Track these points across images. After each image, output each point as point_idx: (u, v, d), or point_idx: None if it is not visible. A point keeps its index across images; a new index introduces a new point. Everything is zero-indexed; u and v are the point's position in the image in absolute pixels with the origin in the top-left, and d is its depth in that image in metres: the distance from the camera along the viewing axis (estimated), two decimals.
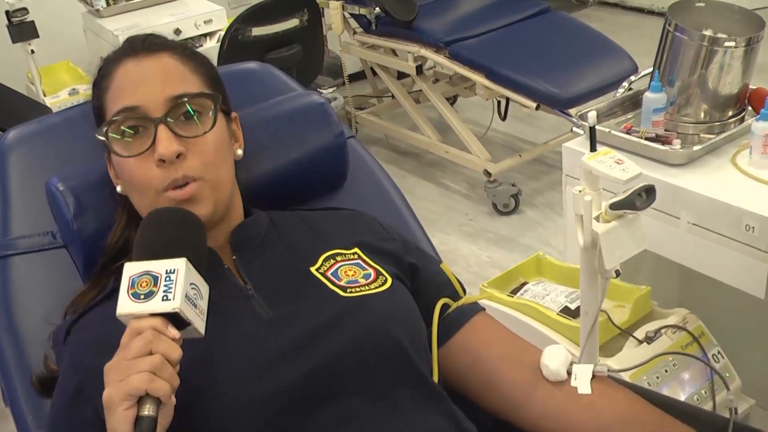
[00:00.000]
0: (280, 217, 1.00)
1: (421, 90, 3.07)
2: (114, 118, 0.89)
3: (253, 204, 1.02)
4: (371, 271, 0.92)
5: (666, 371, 1.46)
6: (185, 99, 0.89)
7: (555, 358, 0.91)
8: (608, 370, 0.91)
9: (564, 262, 1.72)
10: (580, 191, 1.12)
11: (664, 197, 1.45)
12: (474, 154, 2.82)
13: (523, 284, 1.68)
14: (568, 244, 1.74)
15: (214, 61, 0.99)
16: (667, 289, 1.76)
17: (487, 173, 2.73)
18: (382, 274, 0.92)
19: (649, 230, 1.44)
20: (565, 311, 1.54)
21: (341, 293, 0.87)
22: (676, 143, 1.52)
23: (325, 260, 0.92)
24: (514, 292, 1.65)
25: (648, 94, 1.54)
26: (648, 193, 1.10)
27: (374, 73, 3.32)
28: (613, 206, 1.10)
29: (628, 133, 1.55)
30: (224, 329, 0.83)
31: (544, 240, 2.58)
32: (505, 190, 2.74)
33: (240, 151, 0.99)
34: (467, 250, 2.59)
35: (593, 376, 0.91)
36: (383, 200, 1.23)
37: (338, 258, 0.93)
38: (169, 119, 0.88)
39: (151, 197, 0.88)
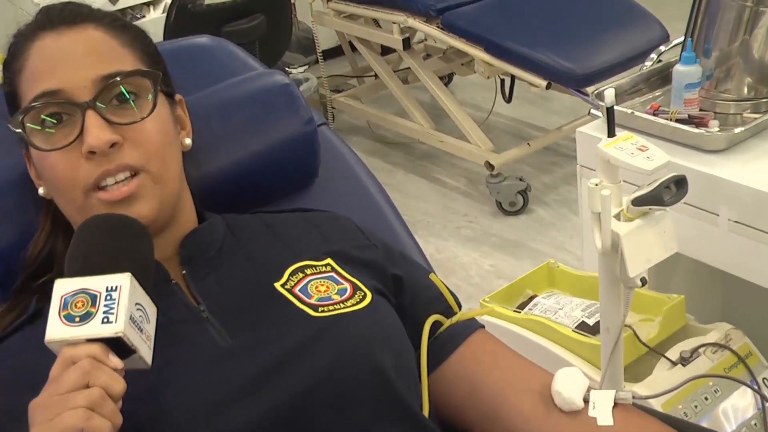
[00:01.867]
0: (238, 222, 1.00)
1: (409, 68, 3.07)
2: (31, 105, 0.88)
3: (205, 206, 1.02)
4: (347, 285, 0.92)
5: (706, 399, 1.46)
6: (117, 78, 0.88)
7: (569, 383, 0.91)
8: (633, 397, 0.91)
9: (580, 270, 1.73)
10: (596, 184, 1.13)
11: (700, 190, 1.46)
12: (474, 143, 2.83)
13: (532, 298, 1.68)
14: (585, 248, 1.74)
15: (159, 36, 0.99)
16: (705, 300, 1.77)
17: (490, 166, 2.74)
18: (361, 289, 0.92)
19: (681, 230, 1.44)
20: (582, 327, 1.55)
21: (312, 313, 0.87)
22: (714, 125, 1.53)
23: (292, 274, 0.92)
24: (522, 307, 1.66)
25: (679, 67, 1.55)
26: (678, 185, 1.11)
27: (353, 49, 3.33)
28: (637, 201, 1.11)
29: (654, 114, 1.56)
30: (174, 359, 0.83)
31: (558, 244, 2.59)
32: (511, 185, 2.75)
33: (188, 140, 0.99)
34: (467, 258, 2.59)
35: (615, 405, 0.90)
36: (362, 199, 1.23)
37: (308, 271, 0.93)
38: (98, 104, 0.87)
39: (78, 198, 0.88)
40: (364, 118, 3.34)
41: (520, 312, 1.62)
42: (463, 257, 2.60)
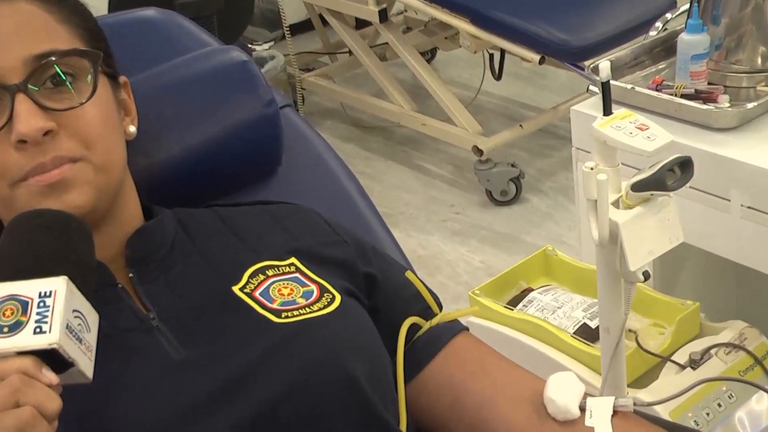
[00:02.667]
0: (191, 218, 1.00)
1: (387, 43, 3.07)
2: None
3: (154, 200, 1.01)
4: (313, 287, 0.92)
5: (719, 405, 1.47)
6: (52, 58, 0.87)
7: (563, 389, 0.91)
8: (635, 404, 0.91)
9: (582, 260, 1.74)
10: (591, 168, 1.13)
11: (708, 173, 1.46)
12: (460, 126, 2.83)
13: (526, 291, 1.69)
14: (583, 239, 1.75)
15: (103, 10, 0.98)
16: (717, 296, 1.78)
17: (478, 151, 2.75)
18: (329, 291, 0.92)
19: (687, 218, 1.44)
20: (584, 331, 1.55)
21: (274, 319, 0.87)
22: (724, 100, 1.53)
23: (252, 276, 0.92)
24: (515, 302, 1.66)
25: (684, 36, 1.55)
26: (683, 167, 1.11)
27: (324, 22, 3.32)
28: (637, 186, 1.11)
29: (657, 90, 1.57)
30: (120, 373, 0.82)
31: (555, 237, 2.60)
32: (503, 172, 2.76)
33: (132, 128, 0.98)
34: (454, 254, 2.60)
35: (615, 413, 0.91)
36: (331, 190, 1.23)
37: (270, 272, 0.93)
38: (30, 86, 0.86)
39: (4, 191, 0.87)
40: (337, 99, 3.34)
41: (512, 309, 1.62)
42: (450, 253, 2.60)
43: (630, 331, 1.54)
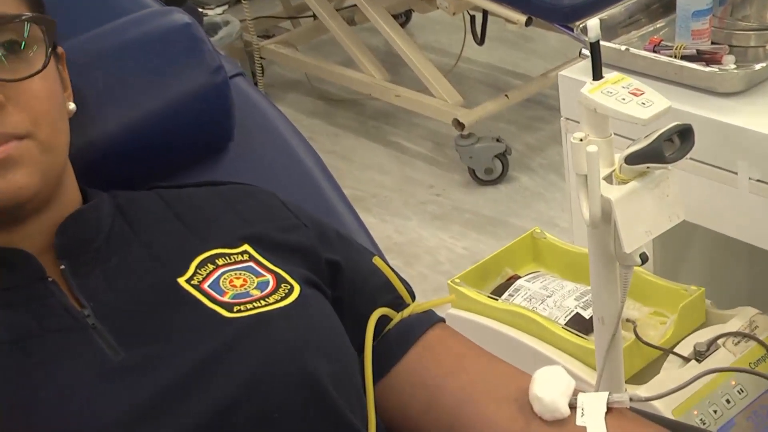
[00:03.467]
0: (131, 202, 0.99)
1: (355, 5, 3.06)
2: None
3: (88, 182, 1.01)
4: (269, 277, 0.92)
5: (728, 402, 1.48)
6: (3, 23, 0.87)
7: (551, 385, 0.91)
8: (631, 400, 0.92)
9: (574, 244, 1.74)
10: (581, 140, 1.13)
11: (712, 143, 1.47)
12: (439, 97, 2.83)
13: (512, 279, 1.69)
14: (574, 219, 1.76)
15: None
16: (725, 281, 1.79)
17: (459, 125, 2.75)
18: (286, 281, 0.92)
19: (690, 193, 1.45)
20: (576, 322, 1.56)
21: (225, 314, 0.87)
22: (729, 61, 1.54)
23: (200, 266, 0.92)
24: (499, 291, 1.67)
25: None
26: (683, 136, 1.12)
27: None
28: (631, 159, 1.12)
29: (655, 51, 1.57)
30: (51, 377, 0.82)
31: (547, 219, 2.61)
32: (487, 148, 2.76)
33: (72, 105, 0.98)
34: (435, 240, 2.60)
35: (609, 410, 0.91)
36: (290, 168, 1.23)
37: (220, 261, 0.93)
38: None
39: None
40: (300, 70, 3.33)
41: (497, 299, 1.63)
42: (430, 239, 2.61)
43: (627, 321, 1.55)
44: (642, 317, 1.58)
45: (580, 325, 1.55)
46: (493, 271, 1.73)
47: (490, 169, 2.78)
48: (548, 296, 1.61)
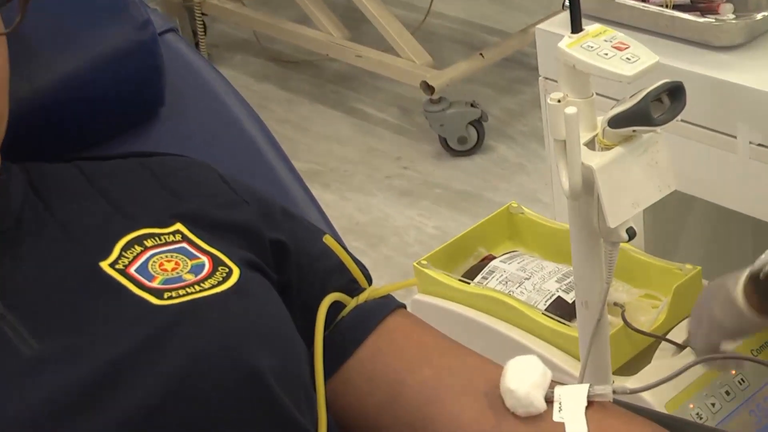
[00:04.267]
0: (46, 176, 0.98)
1: None
2: None
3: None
4: (205, 259, 0.92)
5: (728, 393, 1.50)
6: None
7: (525, 376, 0.91)
8: (614, 392, 0.92)
9: (555, 220, 1.75)
10: (559, 101, 1.13)
11: (708, 103, 1.48)
12: (405, 57, 2.82)
13: (486, 260, 1.70)
14: (555, 192, 1.76)
15: None
16: (725, 258, 1.80)
17: (428, 88, 2.74)
18: (224, 264, 0.92)
19: (683, 160, 1.46)
20: (558, 307, 1.57)
21: (155, 301, 0.87)
22: (726, 10, 1.54)
23: (126, 248, 0.91)
24: (472, 274, 1.67)
25: None
26: (673, 96, 1.12)
27: None
28: (615, 121, 1.12)
29: (643, 0, 1.57)
30: None
31: (528, 194, 2.62)
32: (460, 114, 2.76)
33: None
34: (402, 219, 2.60)
35: (590, 404, 0.91)
36: (230, 137, 1.22)
37: (148, 242, 0.92)
38: None
39: None
40: (249, 27, 3.31)
41: (469, 282, 1.63)
42: (397, 218, 2.61)
43: (615, 304, 1.56)
44: (631, 300, 1.59)
45: (562, 310, 1.56)
46: (465, 252, 1.73)
47: (464, 138, 2.77)
48: (526, 278, 1.62)
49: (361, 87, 3.12)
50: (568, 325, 1.53)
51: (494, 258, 1.69)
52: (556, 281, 1.60)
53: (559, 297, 1.58)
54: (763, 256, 1.21)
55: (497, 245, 1.76)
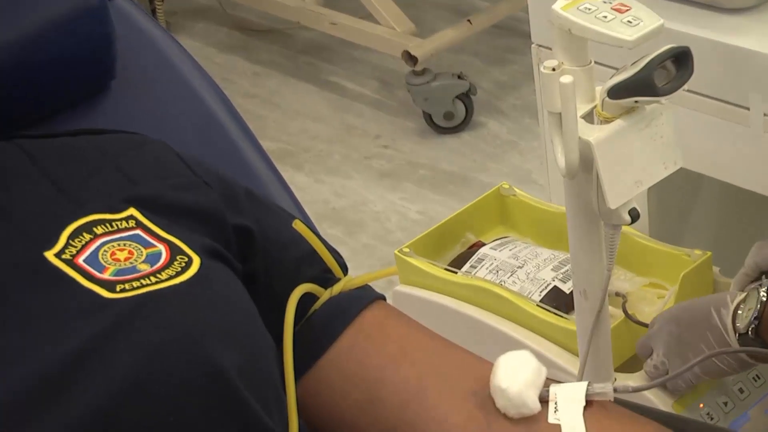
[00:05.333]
0: None
1: None
2: None
3: None
4: (161, 247, 0.92)
5: (741, 391, 1.50)
6: None
7: (517, 374, 0.91)
8: (615, 391, 0.92)
9: (551, 202, 1.75)
10: (553, 69, 1.13)
11: (717, 71, 1.48)
12: (385, 24, 2.83)
13: (476, 247, 1.70)
14: (550, 171, 1.76)
15: None
16: (736, 242, 1.80)
17: (411, 58, 2.74)
18: (183, 252, 0.91)
19: (691, 134, 1.46)
20: (554, 297, 1.57)
21: (106, 294, 0.87)
22: None
23: (73, 236, 0.91)
24: (459, 262, 1.67)
25: None
26: (679, 63, 1.12)
27: None
28: (615, 91, 1.12)
29: None
30: None
31: (522, 174, 2.63)
32: (446, 87, 2.76)
33: None
34: (383, 203, 2.61)
35: (588, 403, 0.91)
36: (188, 112, 1.22)
37: (98, 229, 0.92)
38: None
39: None
40: None
41: (456, 272, 1.63)
42: (377, 202, 2.61)
43: (616, 294, 1.56)
44: (634, 290, 1.59)
45: (558, 301, 1.56)
46: (451, 238, 1.73)
47: (451, 114, 2.78)
48: (519, 267, 1.62)
49: (336, 58, 3.12)
50: (566, 318, 1.53)
51: (484, 245, 1.69)
52: (551, 270, 1.60)
53: (555, 287, 1.58)
54: (740, 312, 1.29)
55: (487, 231, 1.75)
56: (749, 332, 1.27)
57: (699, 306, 1.35)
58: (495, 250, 1.67)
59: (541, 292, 1.58)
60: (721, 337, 1.30)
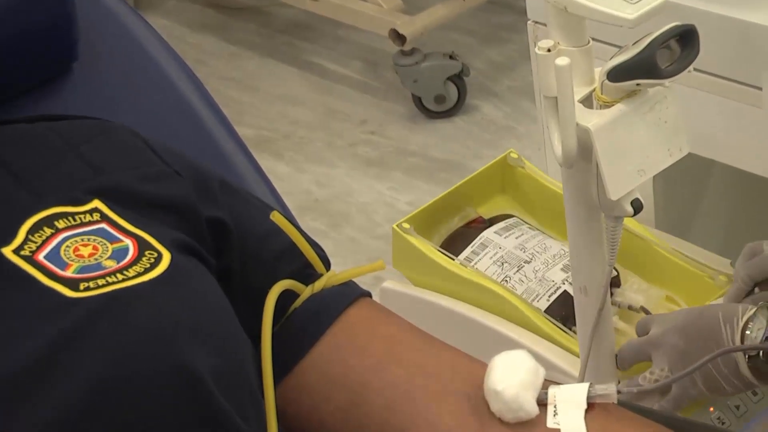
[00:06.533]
0: None
1: None
2: None
3: None
4: (129, 242, 0.92)
5: (755, 393, 1.50)
6: None
7: (513, 375, 0.91)
8: (619, 393, 0.92)
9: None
10: (549, 50, 1.13)
11: (727, 49, 1.48)
12: (371, 0, 2.82)
13: (477, 224, 1.69)
14: (548, 157, 1.77)
15: None
16: (751, 233, 1.80)
17: (399, 37, 2.74)
18: (153, 247, 0.92)
19: (699, 117, 1.46)
20: (563, 304, 1.55)
21: (68, 293, 0.87)
22: None
23: (33, 231, 0.91)
24: (459, 242, 1.66)
25: None
26: (684, 41, 1.13)
27: None
28: (615, 73, 1.12)
29: None
30: None
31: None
32: (437, 68, 2.77)
33: None
34: (370, 194, 2.61)
35: (590, 406, 0.92)
36: (158, 96, 1.22)
37: (60, 224, 0.92)
38: None
39: None
40: None
41: (453, 259, 1.62)
42: (363, 192, 2.61)
43: (630, 308, 1.56)
44: (649, 304, 1.58)
45: (567, 309, 1.53)
46: (452, 210, 1.73)
47: (442, 97, 2.78)
48: (527, 262, 1.62)
49: (318, 37, 3.12)
50: (572, 336, 1.51)
51: (484, 222, 1.69)
52: (561, 269, 1.60)
53: (564, 292, 1.58)
54: (749, 332, 1.27)
55: (491, 205, 1.75)
56: (760, 355, 1.26)
57: (707, 319, 1.32)
58: (500, 235, 1.66)
59: (549, 297, 1.58)
60: (732, 360, 1.28)
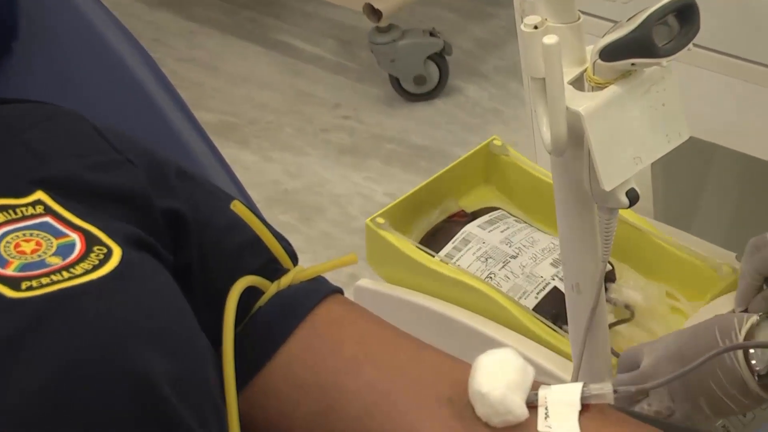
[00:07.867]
0: None
1: None
2: None
3: None
4: (75, 237, 0.92)
5: None
6: None
7: (500, 375, 0.91)
8: (615, 392, 0.93)
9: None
10: (535, 27, 1.13)
11: (730, 25, 1.49)
12: None
13: (458, 218, 1.69)
14: (537, 143, 1.77)
15: None
16: (757, 224, 1.81)
17: (374, 12, 2.74)
18: (101, 242, 0.92)
19: (700, 99, 1.47)
20: (552, 302, 1.57)
21: (9, 293, 0.87)
22: None
23: None
24: (439, 239, 1.66)
25: None
26: (683, 17, 1.13)
27: None
28: (608, 53, 1.12)
29: None
30: None
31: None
32: (417, 46, 2.78)
33: None
34: (344, 185, 2.62)
35: (584, 408, 0.92)
36: (108, 78, 1.23)
37: (0, 217, 0.92)
38: None
39: None
40: None
41: (434, 256, 1.63)
42: (337, 183, 2.62)
43: (627, 308, 1.57)
44: (646, 302, 1.59)
45: (558, 306, 1.54)
46: (431, 204, 1.73)
47: (422, 78, 2.79)
48: (513, 257, 1.63)
49: (286, 13, 3.13)
50: (563, 335, 1.53)
51: (466, 215, 1.69)
52: (551, 264, 1.61)
53: (554, 288, 1.59)
54: (752, 351, 1.24)
55: (473, 196, 1.76)
56: None
57: (703, 339, 1.28)
58: (484, 229, 1.66)
59: (538, 294, 1.59)
60: (738, 379, 1.27)
